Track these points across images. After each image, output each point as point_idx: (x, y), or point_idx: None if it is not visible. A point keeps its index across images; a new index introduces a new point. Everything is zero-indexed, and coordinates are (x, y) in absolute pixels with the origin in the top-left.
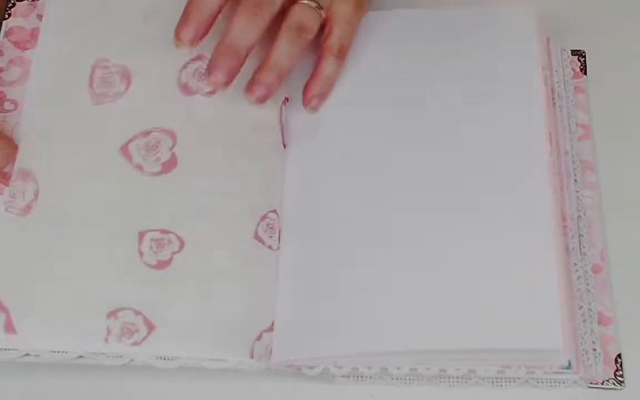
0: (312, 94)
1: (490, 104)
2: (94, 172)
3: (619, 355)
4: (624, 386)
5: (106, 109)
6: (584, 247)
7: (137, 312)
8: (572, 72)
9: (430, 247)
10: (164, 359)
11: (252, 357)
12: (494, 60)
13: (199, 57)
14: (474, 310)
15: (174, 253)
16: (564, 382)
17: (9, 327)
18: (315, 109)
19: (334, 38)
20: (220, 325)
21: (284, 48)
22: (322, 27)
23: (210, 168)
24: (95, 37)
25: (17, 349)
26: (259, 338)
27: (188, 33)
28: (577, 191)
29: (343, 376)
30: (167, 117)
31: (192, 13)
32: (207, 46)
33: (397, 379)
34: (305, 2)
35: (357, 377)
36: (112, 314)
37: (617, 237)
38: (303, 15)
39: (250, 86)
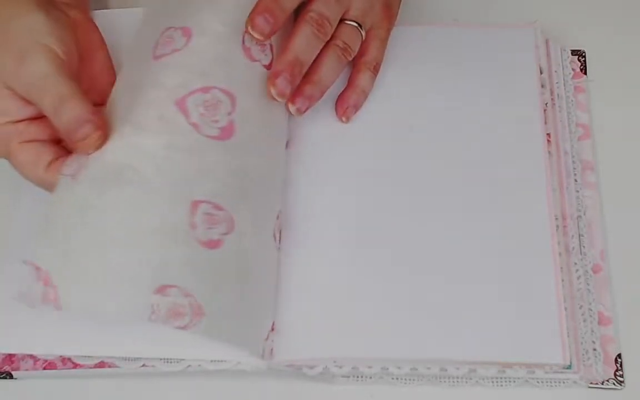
0: (349, 105)
1: (490, 114)
2: (144, 125)
3: (619, 355)
4: (624, 386)
5: (165, 61)
6: (584, 247)
7: (187, 294)
8: (572, 72)
9: (431, 251)
10: (169, 361)
11: (262, 357)
12: (496, 76)
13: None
14: (474, 318)
15: (223, 234)
16: (564, 382)
17: (50, 298)
18: (348, 119)
19: (371, 55)
20: (248, 325)
21: (331, 65)
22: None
23: (262, 147)
24: (169, 12)
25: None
26: (266, 338)
27: (266, 26)
28: (577, 191)
29: (343, 376)
30: (229, 76)
31: (272, 6)
32: None
33: (397, 378)
34: (351, 23)
35: (357, 377)
36: (161, 290)
37: (617, 237)
38: (348, 35)
39: (294, 97)
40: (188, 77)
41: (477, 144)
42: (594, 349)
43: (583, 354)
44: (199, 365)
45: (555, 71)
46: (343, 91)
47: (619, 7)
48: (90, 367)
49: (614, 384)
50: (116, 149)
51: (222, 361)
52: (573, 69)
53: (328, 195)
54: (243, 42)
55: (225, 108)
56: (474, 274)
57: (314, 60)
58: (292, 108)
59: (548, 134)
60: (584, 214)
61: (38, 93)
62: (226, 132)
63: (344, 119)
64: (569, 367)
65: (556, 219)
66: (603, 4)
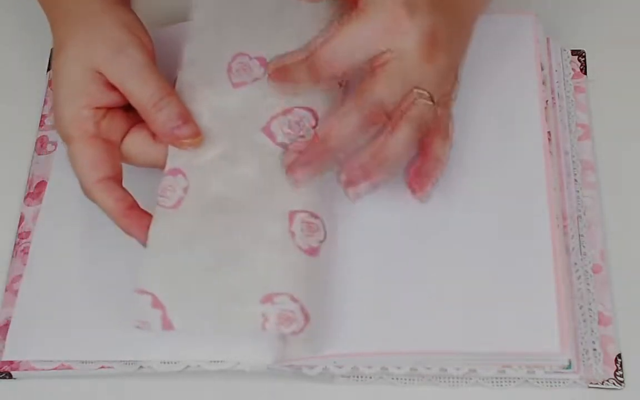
0: (426, 176)
1: (489, 109)
2: (237, 156)
3: (619, 355)
4: (624, 386)
5: (246, 91)
6: (584, 247)
7: (294, 299)
8: (572, 72)
9: (430, 248)
10: (168, 363)
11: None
12: (494, 67)
13: None
14: (474, 313)
15: (320, 242)
16: (564, 382)
17: (166, 324)
18: (424, 192)
19: (443, 121)
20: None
21: (403, 142)
22: None
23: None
24: (233, 35)
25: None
26: None
27: (305, 176)
28: (577, 191)
29: (343, 376)
30: (307, 95)
31: (312, 156)
32: None
33: (397, 378)
34: (424, 99)
35: (357, 377)
36: (268, 299)
37: (617, 237)
38: (424, 112)
39: (354, 180)
40: (270, 103)
41: (475, 140)
42: (594, 349)
43: (583, 354)
44: (199, 365)
45: (556, 71)
46: (417, 162)
47: (619, 7)
48: (90, 369)
49: (614, 384)
50: (214, 182)
51: (221, 361)
52: (573, 69)
53: (326, 194)
54: None
55: (308, 122)
56: (474, 272)
57: (384, 135)
58: (350, 193)
59: (548, 133)
60: (584, 214)
61: (137, 82)
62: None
63: (419, 193)
64: (569, 367)
65: (556, 218)
66: (603, 4)
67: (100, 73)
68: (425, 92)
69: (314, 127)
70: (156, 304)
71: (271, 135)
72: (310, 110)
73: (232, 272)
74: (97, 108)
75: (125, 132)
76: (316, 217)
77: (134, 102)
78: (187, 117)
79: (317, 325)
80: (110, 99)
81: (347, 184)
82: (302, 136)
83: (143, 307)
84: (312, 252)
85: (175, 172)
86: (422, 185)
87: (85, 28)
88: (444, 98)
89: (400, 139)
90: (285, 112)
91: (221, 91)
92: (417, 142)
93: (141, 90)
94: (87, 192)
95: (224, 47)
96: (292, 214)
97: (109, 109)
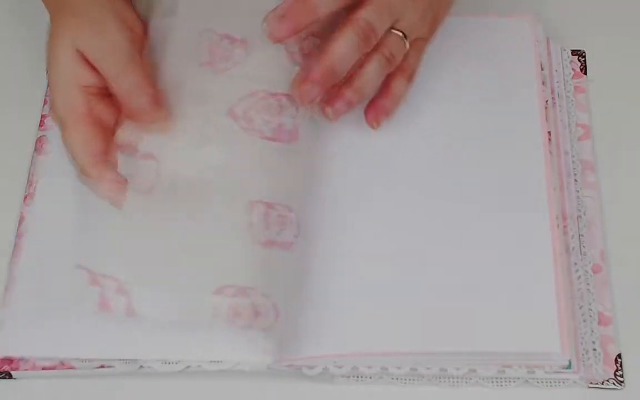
0: (382, 111)
1: (490, 109)
2: (205, 142)
3: (619, 355)
4: (624, 386)
5: (217, 74)
6: (584, 247)
7: (264, 295)
8: (572, 72)
9: (430, 248)
10: (168, 363)
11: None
12: (494, 67)
13: (313, 35)
14: (474, 313)
15: (295, 236)
16: (564, 382)
17: (129, 312)
18: (379, 124)
19: (408, 63)
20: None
21: (374, 74)
22: None
23: (326, 148)
24: (199, 12)
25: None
26: None
27: (281, 31)
28: (577, 191)
29: (343, 376)
30: (272, 80)
31: (293, 11)
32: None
33: (397, 378)
34: (397, 33)
35: (357, 377)
36: (219, 291)
37: (617, 237)
38: (395, 46)
39: (333, 100)
40: (236, 87)
41: (476, 139)
42: (594, 349)
43: (583, 354)
44: (199, 365)
45: (556, 70)
46: (376, 97)
47: (619, 7)
48: (89, 368)
49: (614, 384)
50: (183, 168)
51: (221, 361)
52: (573, 69)
53: (327, 193)
54: (292, 52)
55: (274, 105)
56: (474, 272)
57: (358, 66)
58: (329, 111)
59: (548, 133)
60: (584, 214)
61: (113, 65)
62: (286, 135)
63: (374, 124)
64: (569, 367)
65: (556, 218)
66: (603, 4)
67: (80, 52)
68: (400, 31)
69: (294, 118)
70: (120, 290)
71: (236, 118)
72: (274, 94)
73: (191, 261)
74: (86, 87)
75: (119, 117)
76: (290, 210)
77: (109, 83)
78: (159, 100)
79: (290, 322)
80: (94, 78)
81: (324, 101)
82: (268, 121)
83: (107, 293)
84: (285, 246)
85: (147, 156)
86: (376, 119)
87: (74, 14)
88: (417, 41)
89: (370, 69)
90: (252, 94)
91: (192, 74)
92: (385, 74)
93: (117, 72)
94: (82, 171)
95: (189, 26)
96: (252, 204)
97: (103, 94)
